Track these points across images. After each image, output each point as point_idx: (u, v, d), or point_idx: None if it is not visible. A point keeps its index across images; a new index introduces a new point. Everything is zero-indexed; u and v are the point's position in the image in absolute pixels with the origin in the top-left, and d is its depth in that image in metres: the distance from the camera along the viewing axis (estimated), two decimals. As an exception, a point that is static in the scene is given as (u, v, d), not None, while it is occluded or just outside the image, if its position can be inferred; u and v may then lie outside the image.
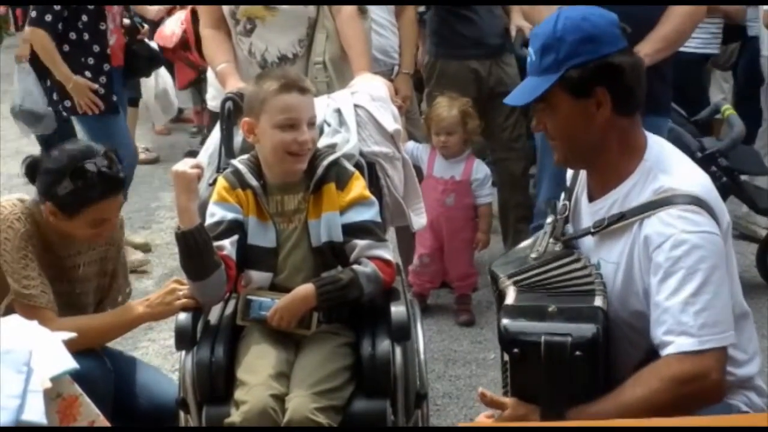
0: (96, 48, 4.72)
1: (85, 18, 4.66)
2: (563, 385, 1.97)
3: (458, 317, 4.41)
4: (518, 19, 4.65)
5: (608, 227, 2.16)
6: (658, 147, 2.22)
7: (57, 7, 4.59)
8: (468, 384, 3.81)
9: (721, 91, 6.76)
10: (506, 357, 2.07)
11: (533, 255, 2.24)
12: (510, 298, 2.13)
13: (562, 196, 2.42)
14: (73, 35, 4.67)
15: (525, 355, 2.00)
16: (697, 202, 2.07)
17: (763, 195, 4.75)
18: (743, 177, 4.54)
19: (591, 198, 2.28)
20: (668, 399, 1.94)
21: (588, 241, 2.25)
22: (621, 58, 2.13)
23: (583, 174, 2.35)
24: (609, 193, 2.21)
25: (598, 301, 2.05)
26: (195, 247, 2.58)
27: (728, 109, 3.90)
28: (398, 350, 2.60)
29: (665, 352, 2.00)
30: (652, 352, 2.08)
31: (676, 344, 1.98)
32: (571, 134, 2.18)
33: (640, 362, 2.10)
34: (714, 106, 4.12)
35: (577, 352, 1.94)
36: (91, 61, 4.71)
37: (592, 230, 2.19)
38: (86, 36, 4.68)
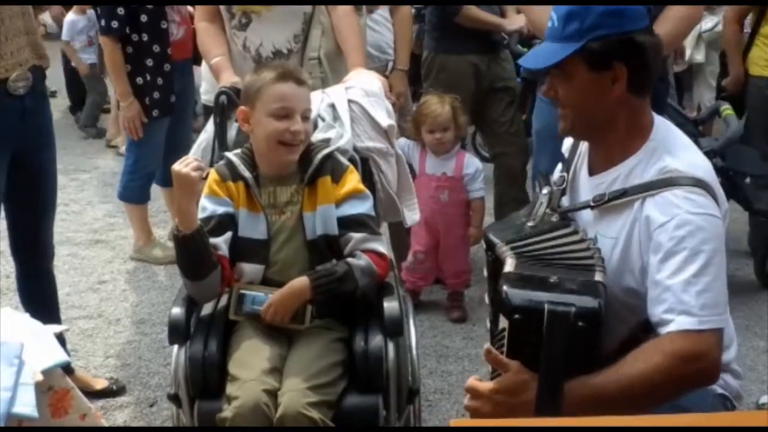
0: (156, 48, 4.68)
1: (144, 18, 4.63)
2: (562, 354, 1.95)
3: (450, 314, 4.41)
4: (513, 19, 4.66)
5: (609, 202, 2.15)
6: (665, 129, 2.22)
7: (120, 12, 4.57)
8: (460, 380, 3.81)
9: (710, 89, 6.79)
10: (503, 324, 2.03)
11: (530, 224, 2.22)
12: (509, 265, 2.10)
13: (559, 167, 2.40)
14: (135, 36, 4.64)
15: (526, 323, 1.97)
16: (702, 184, 2.07)
17: (758, 195, 4.76)
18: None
19: (591, 172, 2.27)
20: (668, 375, 1.94)
21: (586, 215, 2.24)
22: (644, 37, 2.12)
23: (582, 147, 2.34)
24: (611, 168, 2.20)
25: (599, 276, 2.04)
26: (194, 250, 2.57)
27: (727, 109, 3.90)
28: (391, 346, 2.60)
29: (665, 329, 1.99)
30: (639, 329, 2.09)
31: (677, 322, 1.98)
32: (581, 105, 2.17)
33: (625, 339, 2.10)
34: (714, 106, 4.12)
35: (580, 323, 1.92)
36: (150, 62, 4.69)
37: (592, 204, 2.18)
38: (146, 37, 4.65)
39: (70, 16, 7.66)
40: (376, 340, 2.61)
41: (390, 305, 2.64)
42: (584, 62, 2.12)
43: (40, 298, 3.46)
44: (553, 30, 2.18)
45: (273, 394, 2.47)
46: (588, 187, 2.26)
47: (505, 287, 2.02)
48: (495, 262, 2.21)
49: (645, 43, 2.12)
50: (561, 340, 1.93)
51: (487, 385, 2.04)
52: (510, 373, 2.00)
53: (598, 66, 2.12)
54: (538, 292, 1.99)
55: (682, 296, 1.99)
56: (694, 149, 2.21)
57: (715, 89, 6.61)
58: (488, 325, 2.24)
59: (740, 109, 5.16)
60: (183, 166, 2.54)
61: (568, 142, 2.42)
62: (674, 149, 2.16)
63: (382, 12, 4.51)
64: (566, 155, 2.40)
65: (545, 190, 2.31)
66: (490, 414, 2.02)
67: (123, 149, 6.72)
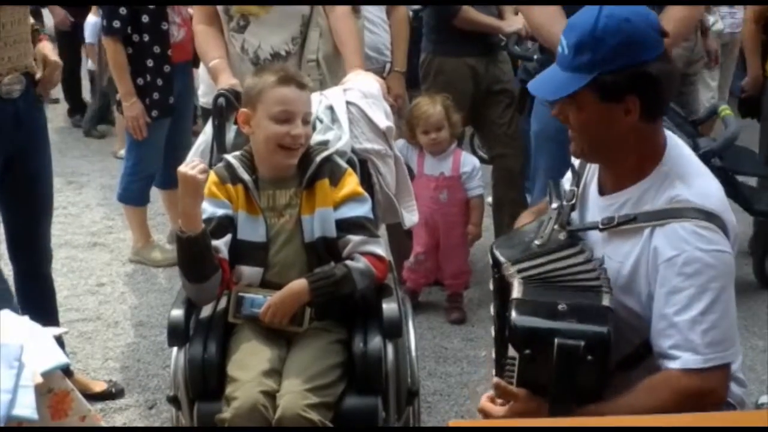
0: (157, 49, 4.68)
1: (146, 19, 4.63)
2: (572, 384, 1.96)
3: (450, 315, 4.41)
4: (511, 21, 4.67)
5: (617, 227, 2.13)
6: (677, 152, 2.17)
7: (122, 12, 4.57)
8: (459, 381, 3.82)
9: (708, 89, 6.78)
10: (512, 352, 2.04)
11: (537, 242, 2.19)
12: (517, 291, 2.09)
13: (568, 176, 2.38)
14: (135, 37, 4.63)
15: (535, 355, 1.98)
16: (712, 218, 2.04)
17: (758, 196, 4.76)
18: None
19: (602, 191, 2.25)
20: (675, 410, 1.94)
21: (594, 235, 2.21)
22: (658, 67, 2.06)
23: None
24: (622, 191, 2.17)
25: (606, 300, 2.03)
26: (198, 253, 2.57)
27: (725, 110, 3.90)
28: (390, 347, 2.61)
29: (670, 365, 2.01)
30: (642, 347, 2.10)
31: (682, 360, 1.99)
32: (592, 132, 2.13)
33: (629, 354, 2.12)
34: (712, 107, 4.12)
35: (589, 357, 1.93)
36: (150, 63, 4.68)
37: (600, 227, 2.16)
38: (147, 37, 4.64)
39: (92, 18, 7.63)
40: (375, 341, 2.62)
41: (389, 307, 2.65)
42: (595, 93, 2.06)
43: (38, 301, 3.45)
44: (564, 57, 2.12)
45: (272, 395, 2.47)
46: (597, 206, 2.24)
47: (513, 315, 2.02)
48: (501, 280, 2.21)
49: (659, 74, 2.06)
50: (571, 372, 1.95)
51: (498, 412, 2.07)
52: (520, 402, 2.02)
53: (610, 98, 2.07)
54: (547, 320, 1.99)
55: (689, 335, 1.99)
56: (706, 174, 2.18)
57: (716, 89, 6.62)
58: (492, 332, 2.24)
59: (757, 110, 5.15)
60: (189, 168, 2.53)
61: None
62: (685, 175, 2.12)
63: (380, 13, 4.51)
64: (576, 167, 2.37)
65: (554, 204, 2.29)
66: None
67: (121, 153, 6.72)
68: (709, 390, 1.99)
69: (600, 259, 2.15)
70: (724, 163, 4.24)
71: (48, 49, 3.33)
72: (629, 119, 2.08)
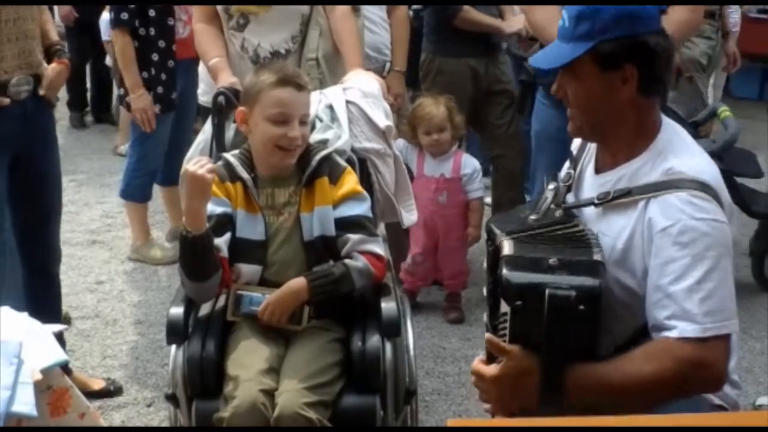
0: (162, 44, 4.67)
1: (152, 13, 4.63)
2: (564, 338, 1.95)
3: (448, 315, 4.41)
4: (511, 21, 4.67)
5: (612, 201, 2.14)
6: (672, 130, 2.21)
7: (131, 5, 4.58)
8: (457, 381, 3.82)
9: (701, 90, 6.78)
10: (504, 308, 2.04)
11: (533, 217, 2.21)
12: (507, 248, 2.09)
13: (567, 164, 2.40)
14: (142, 30, 4.63)
15: (526, 307, 1.97)
16: (706, 188, 2.06)
17: (757, 198, 4.77)
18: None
19: (598, 170, 2.27)
20: (674, 379, 1.95)
21: (589, 212, 2.23)
22: (655, 39, 2.11)
23: (591, 145, 2.33)
24: (617, 167, 2.19)
25: (597, 255, 2.03)
26: (201, 252, 2.57)
27: (725, 111, 3.90)
28: (388, 346, 2.61)
29: (667, 335, 1.99)
30: (638, 333, 2.09)
31: (679, 329, 1.98)
32: (590, 105, 2.16)
33: (624, 342, 2.11)
34: (711, 108, 4.12)
35: (581, 307, 1.92)
36: (155, 57, 4.68)
37: (596, 202, 2.18)
38: (153, 31, 4.64)
39: (106, 15, 7.60)
40: (374, 340, 2.62)
41: (387, 306, 2.65)
42: (594, 63, 2.11)
43: (44, 300, 3.46)
44: (564, 30, 2.17)
45: (270, 394, 2.47)
46: (593, 184, 2.26)
47: (504, 270, 2.01)
48: (495, 252, 2.20)
49: (657, 46, 2.11)
50: (563, 324, 1.94)
51: (491, 371, 2.05)
52: (512, 359, 2.00)
53: (609, 67, 2.11)
54: (537, 274, 1.98)
55: (685, 304, 1.98)
56: (701, 152, 2.19)
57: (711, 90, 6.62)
58: (485, 319, 2.25)
59: None
60: (198, 167, 2.53)
61: (577, 141, 2.41)
62: (680, 151, 2.15)
63: (380, 13, 4.51)
64: (575, 153, 2.40)
65: (551, 186, 2.31)
66: (495, 399, 2.05)
67: (122, 149, 6.71)
68: (710, 360, 1.97)
69: (595, 234, 2.16)
70: (723, 165, 4.25)
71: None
72: (627, 90, 2.12)
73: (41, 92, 3.24)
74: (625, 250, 2.12)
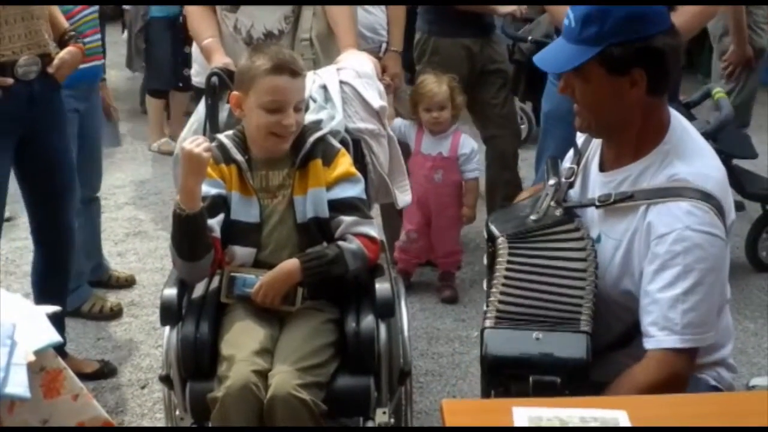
0: None
1: None
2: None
3: (442, 293, 4.42)
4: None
5: (614, 204, 2.14)
6: (681, 130, 2.18)
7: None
8: (451, 362, 3.83)
9: None
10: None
11: (533, 217, 2.20)
12: (490, 319, 2.08)
13: (569, 155, 2.38)
14: None
15: (509, 388, 2.01)
16: (708, 199, 2.04)
17: (751, 179, 4.77)
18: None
19: (602, 167, 2.25)
20: (648, 390, 1.96)
21: (591, 212, 2.22)
22: (664, 40, 2.06)
23: (596, 140, 2.31)
24: (622, 167, 2.18)
25: (584, 325, 2.02)
26: (194, 231, 2.56)
27: (719, 92, 3.90)
28: (383, 327, 2.61)
29: (647, 344, 2.03)
30: (634, 327, 2.10)
31: (657, 339, 2.01)
32: (597, 105, 2.13)
33: (621, 333, 2.13)
34: (705, 89, 4.12)
35: (566, 392, 1.93)
36: None
37: (597, 204, 2.17)
38: None
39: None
40: (368, 321, 2.62)
41: (382, 286, 2.65)
42: (602, 66, 2.07)
43: (55, 285, 3.48)
44: (570, 30, 2.12)
45: (263, 374, 2.47)
46: (597, 183, 2.24)
47: (488, 349, 2.03)
48: (494, 255, 2.21)
49: (665, 48, 2.07)
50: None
51: None
52: None
53: (617, 71, 2.07)
54: (523, 352, 2.01)
55: (668, 312, 2.00)
56: (709, 155, 2.17)
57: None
58: (485, 308, 2.25)
59: None
60: (194, 145, 2.51)
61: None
62: (687, 154, 2.12)
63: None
64: (579, 144, 2.37)
65: (552, 181, 2.29)
66: None
67: (154, 146, 6.71)
68: (681, 372, 2.00)
69: (594, 238, 2.15)
70: (718, 146, 4.25)
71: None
72: (635, 92, 2.09)
73: (49, 70, 3.22)
74: (626, 253, 2.12)
